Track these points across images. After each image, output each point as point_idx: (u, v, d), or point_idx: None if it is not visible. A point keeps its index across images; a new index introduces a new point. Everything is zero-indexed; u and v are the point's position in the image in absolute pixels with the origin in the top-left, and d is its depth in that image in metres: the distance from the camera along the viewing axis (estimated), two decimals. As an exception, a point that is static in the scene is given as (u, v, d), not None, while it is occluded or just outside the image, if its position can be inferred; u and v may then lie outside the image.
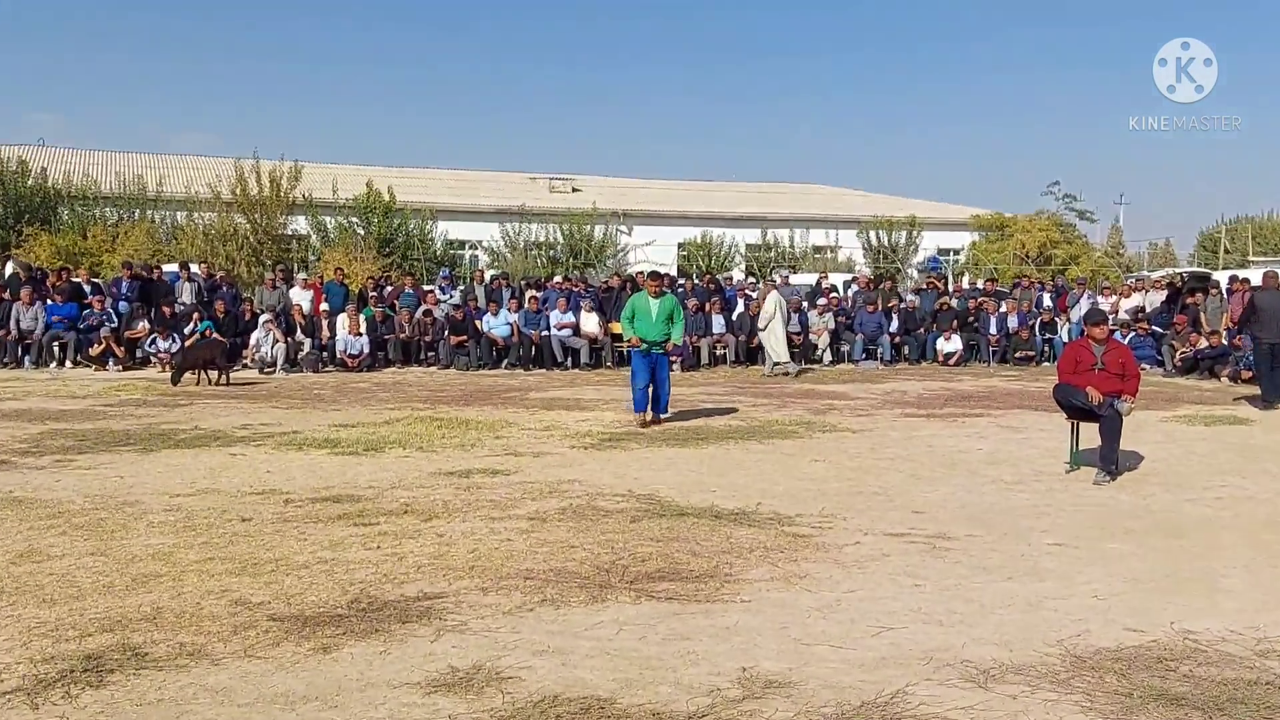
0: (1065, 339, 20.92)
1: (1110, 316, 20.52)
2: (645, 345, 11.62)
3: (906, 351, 22.11)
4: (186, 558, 5.70)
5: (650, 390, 11.64)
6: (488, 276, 23.83)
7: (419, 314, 20.64)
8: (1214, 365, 17.92)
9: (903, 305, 22.53)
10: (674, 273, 30.79)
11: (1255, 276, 17.16)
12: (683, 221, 37.04)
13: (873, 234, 35.95)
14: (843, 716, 3.74)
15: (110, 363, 18.38)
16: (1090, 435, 8.73)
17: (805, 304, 22.21)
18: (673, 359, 12.54)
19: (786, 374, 18.51)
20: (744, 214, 37.85)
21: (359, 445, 9.82)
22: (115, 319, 19.16)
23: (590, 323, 20.66)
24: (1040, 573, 5.64)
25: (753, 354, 20.49)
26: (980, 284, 25.54)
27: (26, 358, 18.62)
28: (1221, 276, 23.01)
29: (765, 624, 4.71)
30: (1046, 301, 23.07)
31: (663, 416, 11.82)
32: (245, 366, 18.97)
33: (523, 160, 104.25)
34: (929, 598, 5.12)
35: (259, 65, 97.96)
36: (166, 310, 19.23)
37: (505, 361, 20.33)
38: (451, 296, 22.14)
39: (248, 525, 6.49)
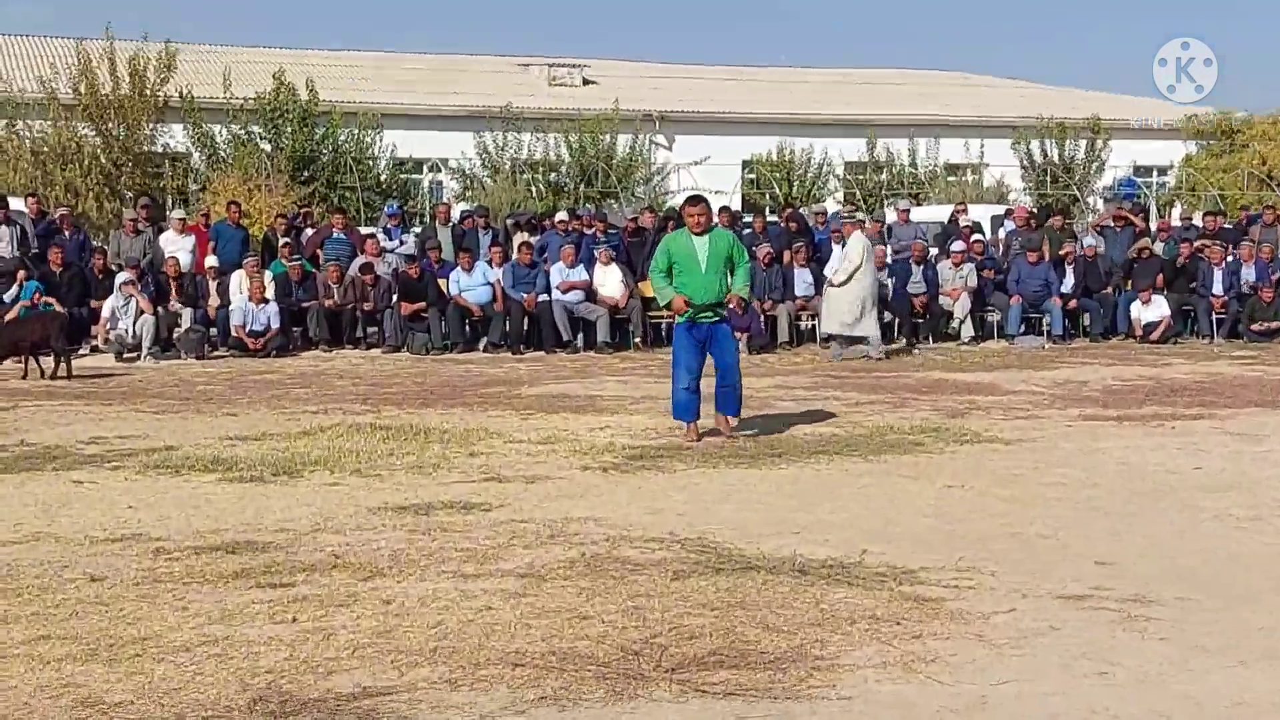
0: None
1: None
2: (692, 311, 11.34)
3: (1087, 322, 21.97)
4: (7, 636, 5.73)
5: (698, 387, 11.34)
6: (456, 213, 23.89)
7: (354, 270, 20.70)
8: None
9: (1081, 253, 22.39)
10: (736, 205, 30.72)
11: None
12: (748, 128, 36.95)
13: (1036, 145, 35.69)
14: None
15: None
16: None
17: (934, 251, 22.13)
18: (737, 330, 12.13)
19: (868, 357, 18.49)
20: (840, 116, 37.71)
21: (265, 468, 9.82)
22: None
23: (611, 282, 20.68)
24: (1290, 656, 5.59)
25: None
26: (1198, 219, 25.34)
27: None
28: None
29: (873, 733, 4.69)
30: (1300, 245, 22.90)
31: (733, 420, 11.57)
32: (95, 349, 19.10)
33: (509, 39, 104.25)
34: (1121, 694, 5.09)
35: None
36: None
37: (484, 341, 20.37)
38: (403, 244, 22.18)
39: (99, 587, 6.51)
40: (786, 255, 21.41)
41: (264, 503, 8.66)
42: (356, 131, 31.18)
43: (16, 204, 21.63)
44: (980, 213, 26.31)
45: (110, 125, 28.39)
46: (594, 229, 22.10)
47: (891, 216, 25.84)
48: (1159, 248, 23.12)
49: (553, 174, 32.83)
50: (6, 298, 18.97)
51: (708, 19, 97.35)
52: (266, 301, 19.54)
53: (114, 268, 20.14)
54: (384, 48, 44.82)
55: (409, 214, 27.14)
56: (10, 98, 28.98)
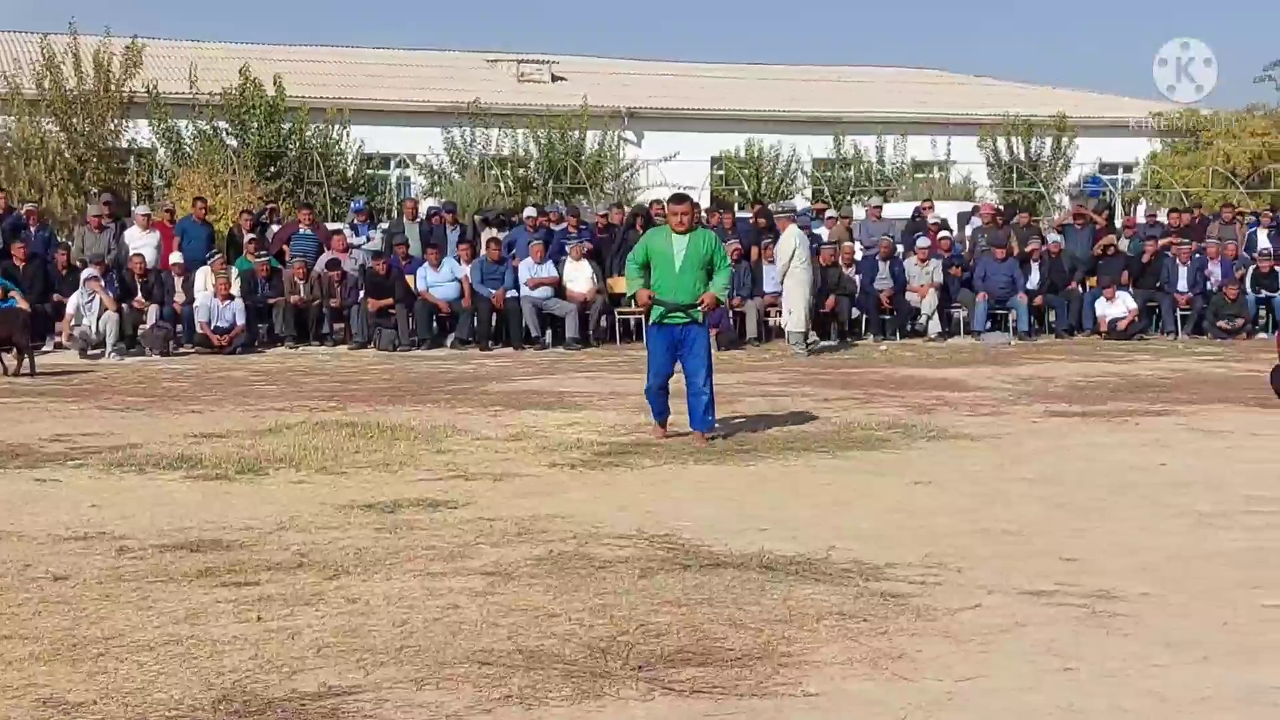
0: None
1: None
2: (661, 310, 11.18)
3: (1053, 318, 22.05)
4: (-28, 636, 5.70)
5: (667, 386, 11.30)
6: (424, 209, 23.84)
7: (320, 266, 20.65)
8: None
9: (1047, 248, 22.47)
10: (705, 201, 30.74)
11: None
12: (717, 124, 36.96)
13: (1002, 141, 35.80)
14: None
15: None
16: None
17: (899, 247, 22.18)
18: (713, 328, 12.05)
19: (796, 353, 18.62)
20: (808, 112, 37.76)
21: (230, 466, 9.80)
22: None
23: (580, 278, 20.68)
24: (1253, 651, 5.61)
25: (825, 321, 20.55)
26: (1163, 216, 25.46)
27: None
28: None
29: (840, 730, 4.70)
30: (1263, 242, 23.00)
31: (708, 434, 11.07)
32: (59, 346, 19.01)
33: (478, 36, 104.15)
34: (1086, 689, 5.10)
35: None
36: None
37: (451, 337, 20.36)
38: (370, 240, 22.15)
39: (62, 586, 6.49)
40: (755, 251, 21.43)
41: (229, 501, 8.64)
42: (323, 127, 31.07)
43: (-22, 199, 21.48)
44: (947, 210, 26.38)
45: (75, 120, 28.25)
46: (564, 225, 22.09)
47: (861, 213, 25.90)
48: (1125, 245, 23.20)
49: (521, 170, 32.78)
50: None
51: (677, 16, 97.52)
52: (232, 298, 19.47)
53: (78, 263, 20.03)
54: (351, 43, 44.56)
55: (376, 210, 27.04)
56: (-31, 92, 28.78)
